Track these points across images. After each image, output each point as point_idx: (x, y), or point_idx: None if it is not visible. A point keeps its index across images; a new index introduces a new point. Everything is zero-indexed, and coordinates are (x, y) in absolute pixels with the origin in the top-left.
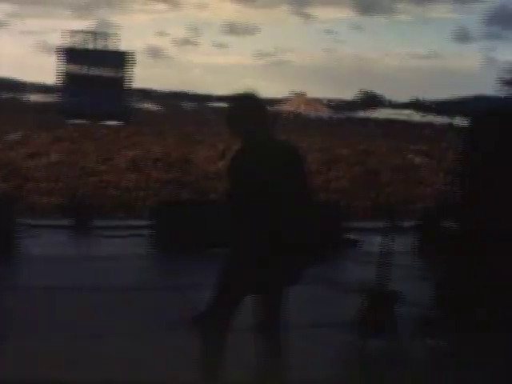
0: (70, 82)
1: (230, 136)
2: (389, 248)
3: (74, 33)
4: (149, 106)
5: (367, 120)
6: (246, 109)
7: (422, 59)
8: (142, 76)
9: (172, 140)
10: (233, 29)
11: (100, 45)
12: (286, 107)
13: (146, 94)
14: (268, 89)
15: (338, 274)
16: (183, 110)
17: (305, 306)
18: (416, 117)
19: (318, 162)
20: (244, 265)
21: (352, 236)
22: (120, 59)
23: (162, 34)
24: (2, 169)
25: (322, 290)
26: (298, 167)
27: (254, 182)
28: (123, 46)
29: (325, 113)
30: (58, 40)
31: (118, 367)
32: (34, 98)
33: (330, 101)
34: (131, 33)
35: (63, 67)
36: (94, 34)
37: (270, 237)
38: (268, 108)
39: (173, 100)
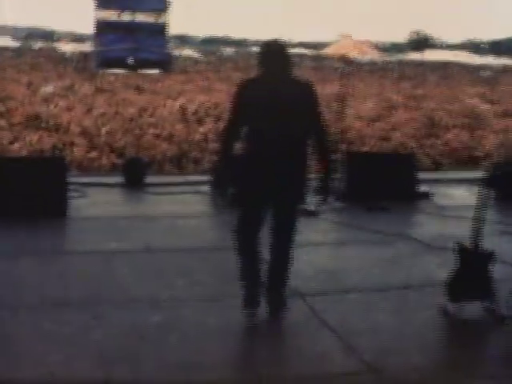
0: (107, 29)
1: None
2: (483, 202)
3: None
4: (189, 52)
5: (420, 63)
6: (266, 50)
7: None
8: (177, 21)
9: (219, 87)
10: None
11: None
12: (333, 51)
13: (184, 40)
14: (312, 32)
15: (418, 230)
16: (223, 56)
17: (388, 267)
18: (471, 58)
19: (374, 110)
20: (250, 187)
21: (424, 188)
22: (160, 3)
23: None
24: (43, 124)
25: (405, 248)
26: (311, 100)
27: (263, 104)
28: None
29: (375, 56)
30: None
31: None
32: (69, 47)
33: (378, 43)
34: None
35: (99, 14)
36: None
37: (273, 157)
38: (289, 53)
39: (211, 46)
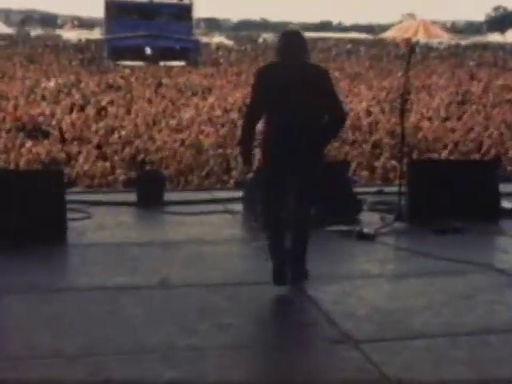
0: (120, 12)
1: None
2: None
3: None
4: (219, 39)
5: (501, 46)
6: (282, 38)
7: None
8: (206, 2)
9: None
10: None
11: None
12: (394, 34)
13: (213, 25)
14: (367, 12)
15: (501, 257)
16: (259, 43)
17: (463, 305)
18: None
19: (448, 104)
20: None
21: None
22: None
23: None
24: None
25: (484, 281)
26: (324, 81)
27: (282, 88)
28: None
29: (446, 38)
30: None
31: None
32: (73, 35)
33: (449, 23)
34: None
35: None
36: None
37: (292, 132)
38: (305, 42)
39: (245, 31)
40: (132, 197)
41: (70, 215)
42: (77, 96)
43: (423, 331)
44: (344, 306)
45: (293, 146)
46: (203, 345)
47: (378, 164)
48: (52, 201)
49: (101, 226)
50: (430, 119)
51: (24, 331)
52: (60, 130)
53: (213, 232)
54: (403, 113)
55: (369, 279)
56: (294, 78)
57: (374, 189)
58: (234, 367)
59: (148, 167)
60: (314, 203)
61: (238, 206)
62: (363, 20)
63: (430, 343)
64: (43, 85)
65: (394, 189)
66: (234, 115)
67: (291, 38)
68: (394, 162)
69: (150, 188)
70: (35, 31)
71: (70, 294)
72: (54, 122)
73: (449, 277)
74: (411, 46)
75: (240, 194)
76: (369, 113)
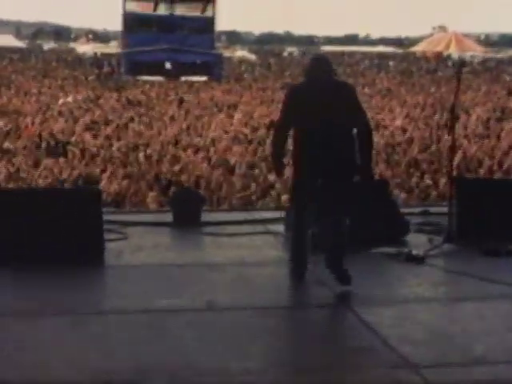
0: (138, 25)
1: None
2: None
3: None
4: (242, 53)
5: None
6: (311, 61)
7: None
8: (227, 15)
9: (282, 97)
10: None
11: None
12: (425, 47)
13: (235, 38)
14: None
15: None
16: (284, 57)
17: None
18: None
19: (485, 121)
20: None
21: None
22: None
23: None
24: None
25: None
26: (351, 98)
27: (313, 103)
28: None
29: (479, 52)
30: None
31: None
32: (88, 48)
33: (483, 35)
34: None
35: (128, 5)
36: None
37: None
38: (331, 65)
39: (269, 44)
40: (167, 217)
41: (105, 236)
42: (97, 112)
43: (486, 357)
44: (401, 329)
45: (325, 156)
46: (259, 368)
47: (414, 183)
48: (89, 221)
49: (138, 247)
50: (466, 136)
51: (69, 353)
52: (81, 148)
53: (255, 254)
54: (453, 130)
55: (423, 303)
56: (324, 95)
57: (419, 209)
58: None
59: (180, 186)
60: (347, 214)
61: (280, 227)
62: (391, 33)
63: (494, 370)
64: (61, 100)
65: (440, 209)
66: (262, 132)
67: (319, 61)
68: (429, 182)
69: (186, 208)
70: (48, 44)
71: (113, 317)
72: (73, 139)
73: (507, 300)
74: (462, 62)
75: (281, 214)
76: (404, 130)
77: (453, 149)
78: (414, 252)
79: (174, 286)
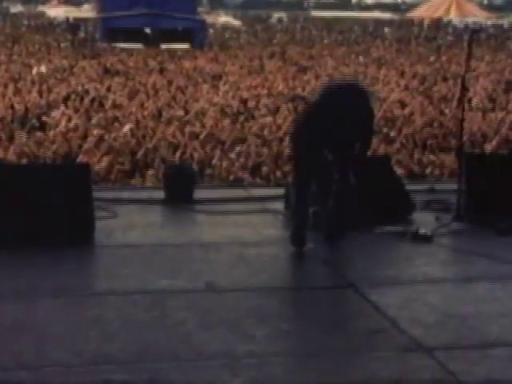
0: None
1: None
2: None
3: None
4: (226, 19)
5: None
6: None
7: None
8: None
9: (271, 67)
10: None
11: None
12: (423, 13)
13: (218, 2)
14: None
15: None
16: (273, 23)
17: None
18: None
19: (491, 92)
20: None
21: None
22: None
23: None
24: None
25: None
26: (365, 103)
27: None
28: None
29: (482, 17)
30: None
31: None
32: (60, 12)
33: (485, 0)
34: None
35: None
36: None
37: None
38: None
39: (255, 10)
40: (160, 194)
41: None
42: (73, 82)
43: (502, 339)
44: (411, 311)
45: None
46: (265, 351)
47: (416, 160)
48: (78, 198)
49: (130, 225)
50: (471, 110)
51: (67, 336)
52: (57, 120)
53: (253, 233)
54: (463, 103)
55: (433, 283)
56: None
57: (424, 186)
58: (302, 373)
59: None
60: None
61: (279, 205)
62: None
63: (510, 352)
64: (35, 69)
65: (446, 186)
66: (252, 104)
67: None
68: (432, 157)
69: (179, 184)
70: (15, 8)
71: (109, 298)
72: (51, 113)
73: None
74: (473, 30)
75: (280, 191)
76: (402, 104)
77: (462, 123)
78: (422, 230)
79: (170, 266)
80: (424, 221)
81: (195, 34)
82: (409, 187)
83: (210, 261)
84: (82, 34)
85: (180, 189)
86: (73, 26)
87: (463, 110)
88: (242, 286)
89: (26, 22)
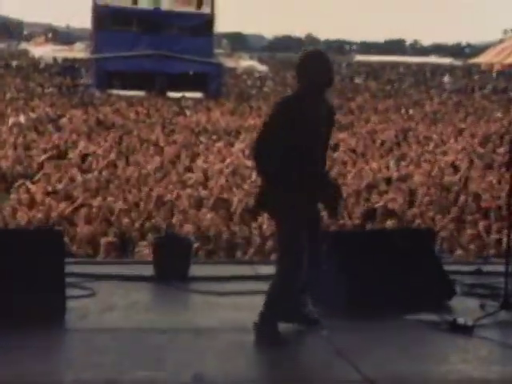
0: (113, 21)
1: None
2: None
3: None
4: (248, 63)
5: None
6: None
7: None
8: (231, 14)
9: None
10: None
11: None
12: (491, 58)
13: (240, 43)
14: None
15: None
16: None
17: None
18: None
19: None
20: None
21: None
22: None
23: None
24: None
25: None
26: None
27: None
28: None
29: None
30: None
31: None
32: (46, 51)
33: None
34: None
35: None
36: None
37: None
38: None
39: (283, 51)
40: (147, 269)
41: (67, 292)
42: (55, 136)
43: None
44: None
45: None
46: None
47: (468, 235)
48: (48, 272)
49: (109, 306)
50: None
51: None
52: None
53: (255, 317)
54: None
55: None
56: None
57: (471, 267)
58: None
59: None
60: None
61: None
62: (448, 39)
63: None
64: (11, 120)
65: (498, 268)
66: None
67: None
68: (494, 236)
69: (171, 258)
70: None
71: None
72: (29, 171)
73: None
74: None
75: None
76: (456, 168)
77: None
78: (461, 320)
79: (152, 355)
80: (465, 308)
81: (210, 80)
82: (449, 267)
83: (201, 349)
84: (83, 80)
85: (172, 263)
86: (68, 68)
87: None
88: (237, 379)
89: (4, 63)
